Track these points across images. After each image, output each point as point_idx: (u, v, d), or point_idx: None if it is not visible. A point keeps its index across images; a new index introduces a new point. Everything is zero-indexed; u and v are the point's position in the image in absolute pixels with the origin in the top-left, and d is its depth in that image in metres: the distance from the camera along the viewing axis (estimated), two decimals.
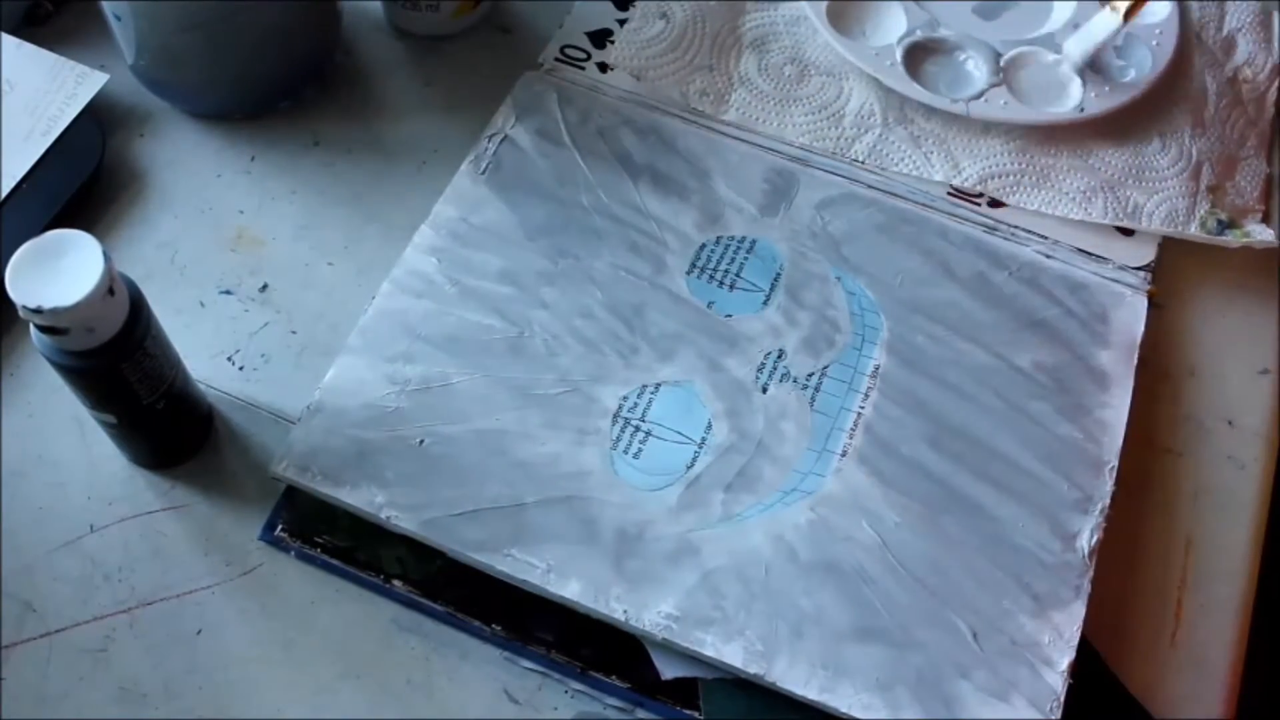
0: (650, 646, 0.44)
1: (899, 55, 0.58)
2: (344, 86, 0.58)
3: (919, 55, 0.59)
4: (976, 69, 0.58)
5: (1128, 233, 0.55)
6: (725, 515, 0.45)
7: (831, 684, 0.42)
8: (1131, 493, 0.48)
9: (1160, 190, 0.56)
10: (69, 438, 0.48)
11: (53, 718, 0.43)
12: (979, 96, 0.57)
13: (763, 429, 0.47)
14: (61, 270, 0.38)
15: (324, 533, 0.46)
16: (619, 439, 0.47)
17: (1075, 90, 0.57)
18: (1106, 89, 0.57)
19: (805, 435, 0.47)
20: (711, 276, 0.51)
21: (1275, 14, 0.63)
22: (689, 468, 0.46)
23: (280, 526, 0.46)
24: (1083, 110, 0.56)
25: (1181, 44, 0.59)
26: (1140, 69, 0.58)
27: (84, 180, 0.52)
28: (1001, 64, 0.58)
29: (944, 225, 0.54)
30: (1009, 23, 0.60)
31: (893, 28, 0.59)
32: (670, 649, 0.43)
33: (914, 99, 0.57)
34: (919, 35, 0.59)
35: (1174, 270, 0.55)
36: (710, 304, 0.51)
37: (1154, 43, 0.59)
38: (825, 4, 0.59)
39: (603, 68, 0.58)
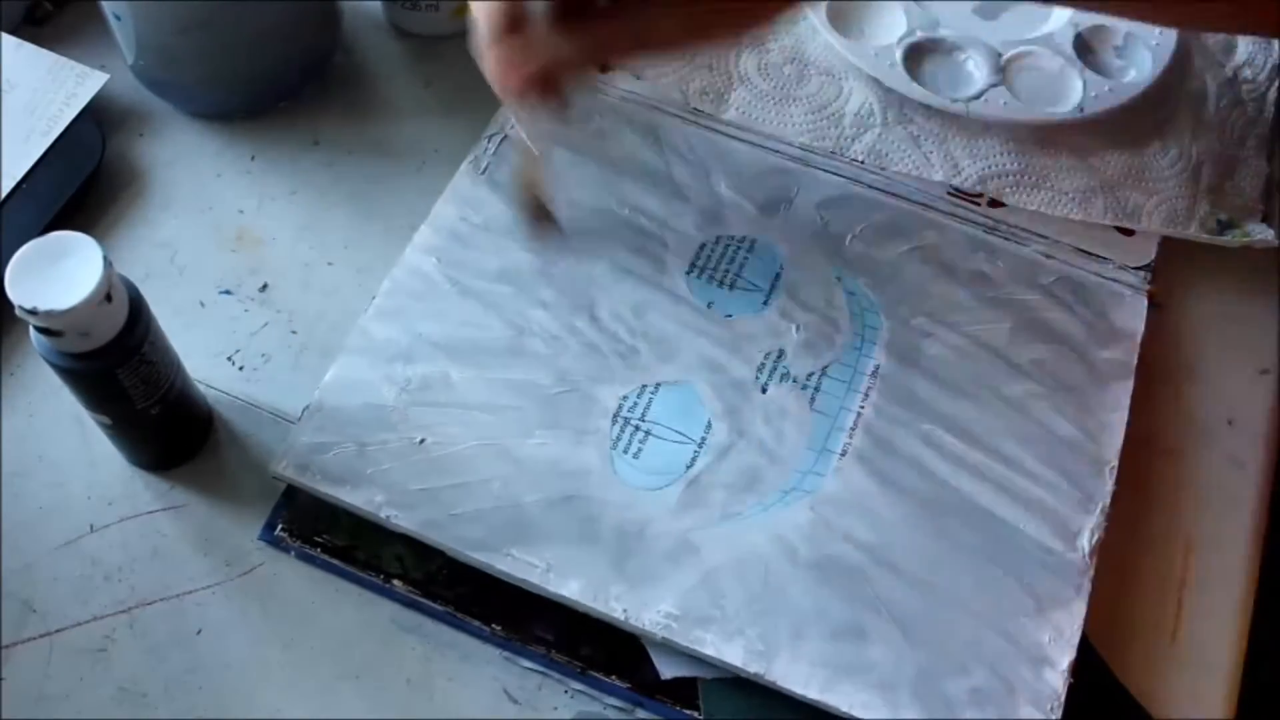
0: (650, 646, 0.44)
1: (899, 55, 0.58)
2: (344, 86, 0.58)
3: (919, 55, 0.59)
4: (976, 69, 0.58)
5: (1128, 232, 0.55)
6: (725, 514, 0.45)
7: (832, 683, 0.42)
8: (1132, 492, 0.48)
9: (1160, 190, 0.56)
10: (69, 438, 0.48)
11: (53, 718, 0.43)
12: (979, 96, 0.57)
13: (762, 429, 0.47)
14: (61, 272, 0.38)
15: (324, 532, 0.46)
16: (619, 438, 0.47)
17: (1075, 90, 0.57)
18: (1107, 89, 0.57)
19: (805, 435, 0.47)
20: (711, 276, 0.51)
21: None
22: (689, 467, 0.46)
23: (280, 526, 0.46)
24: (1082, 110, 0.56)
25: (1182, 44, 0.59)
26: (1140, 69, 0.58)
27: (84, 180, 0.52)
28: (1001, 64, 0.58)
29: (944, 225, 0.54)
30: (1009, 23, 0.60)
31: (892, 28, 0.59)
32: (670, 648, 0.43)
33: (914, 99, 0.57)
34: (919, 35, 0.59)
35: (1174, 270, 0.55)
36: (710, 304, 0.51)
37: (1154, 43, 0.59)
38: (825, 4, 0.59)
39: (603, 68, 0.58)
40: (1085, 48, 0.59)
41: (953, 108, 0.56)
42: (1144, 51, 0.59)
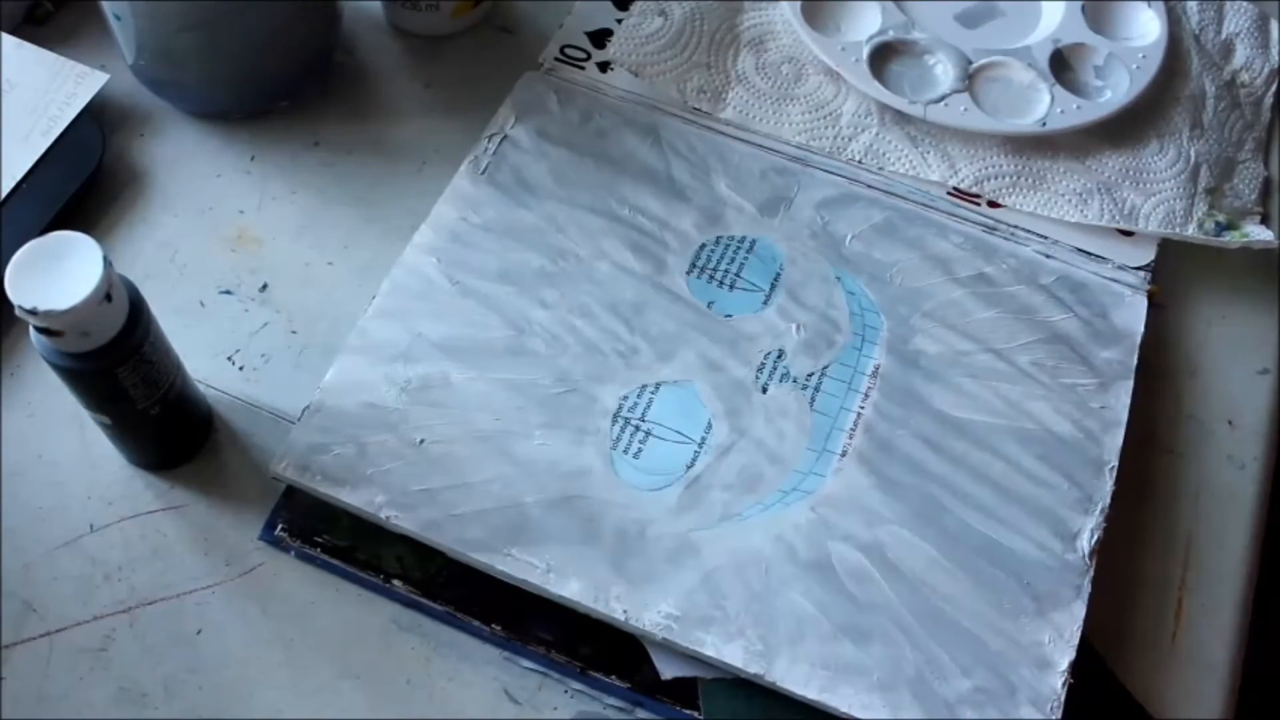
0: (650, 646, 0.44)
1: (865, 52, 0.58)
2: (344, 86, 0.58)
3: (887, 55, 0.58)
4: (944, 74, 0.58)
5: (1128, 233, 0.55)
6: (725, 515, 0.45)
7: (831, 684, 0.42)
8: (1132, 493, 0.48)
9: (1158, 192, 0.56)
10: (69, 438, 0.48)
11: (53, 718, 0.43)
12: (939, 100, 0.56)
13: (763, 429, 0.47)
14: (61, 272, 0.38)
15: (324, 532, 0.46)
16: (619, 439, 0.47)
17: (1042, 105, 0.57)
18: (1075, 106, 0.57)
19: (805, 435, 0.47)
20: (711, 276, 0.51)
21: (1273, 20, 0.63)
22: (689, 467, 0.46)
23: (280, 526, 0.46)
24: (1044, 125, 0.56)
25: (1164, 68, 0.59)
26: (1116, 91, 0.58)
27: (84, 180, 0.52)
28: (970, 71, 0.58)
29: (944, 225, 0.54)
30: (990, 33, 0.60)
31: (866, 26, 0.59)
32: (670, 649, 0.43)
33: (872, 96, 0.56)
34: (890, 35, 0.59)
35: (1174, 270, 0.55)
36: (710, 304, 0.51)
37: (1135, 66, 0.58)
38: (800, 2, 0.59)
39: (603, 67, 0.58)
40: (1063, 65, 0.59)
41: (909, 109, 0.56)
42: (1122, 74, 0.58)
